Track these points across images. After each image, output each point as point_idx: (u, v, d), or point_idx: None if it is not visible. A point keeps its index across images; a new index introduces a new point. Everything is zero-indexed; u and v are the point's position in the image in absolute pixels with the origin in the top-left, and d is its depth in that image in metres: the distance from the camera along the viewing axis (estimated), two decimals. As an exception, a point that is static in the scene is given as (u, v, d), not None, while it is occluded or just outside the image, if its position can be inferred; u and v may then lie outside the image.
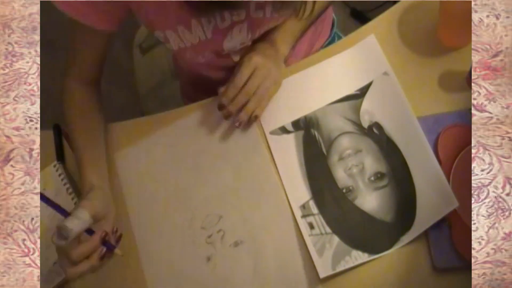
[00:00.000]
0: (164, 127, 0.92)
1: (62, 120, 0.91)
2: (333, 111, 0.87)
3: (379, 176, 0.81)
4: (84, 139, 0.86)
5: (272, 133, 0.87)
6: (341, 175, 0.82)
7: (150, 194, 0.88)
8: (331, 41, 1.12)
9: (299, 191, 0.83)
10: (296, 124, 0.87)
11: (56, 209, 0.72)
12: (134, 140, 0.92)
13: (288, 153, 0.86)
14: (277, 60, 0.89)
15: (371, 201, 0.80)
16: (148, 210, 0.87)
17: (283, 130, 0.87)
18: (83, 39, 0.84)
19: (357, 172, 0.82)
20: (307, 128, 0.87)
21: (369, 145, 0.83)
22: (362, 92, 0.87)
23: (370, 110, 0.85)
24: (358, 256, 0.77)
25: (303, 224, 0.80)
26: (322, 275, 0.76)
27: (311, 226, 0.80)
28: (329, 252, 0.77)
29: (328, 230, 0.79)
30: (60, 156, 0.90)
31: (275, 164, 0.85)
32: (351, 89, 0.87)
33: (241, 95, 0.84)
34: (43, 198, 0.71)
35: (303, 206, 0.82)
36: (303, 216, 0.81)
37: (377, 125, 0.84)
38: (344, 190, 0.81)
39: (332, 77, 0.89)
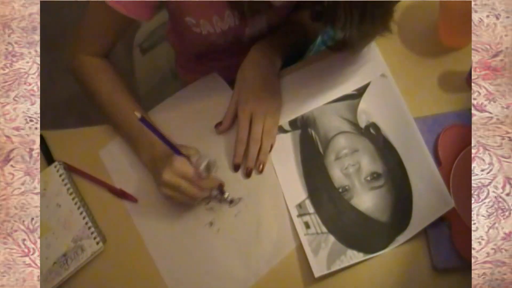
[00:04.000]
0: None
1: (63, 120, 0.91)
2: (330, 111, 0.87)
3: (375, 176, 0.81)
4: (132, 108, 0.86)
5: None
6: (337, 175, 0.82)
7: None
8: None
9: (295, 190, 0.83)
10: (293, 123, 0.87)
11: (169, 145, 0.77)
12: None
13: (285, 152, 0.86)
14: (271, 79, 0.88)
15: (367, 201, 0.80)
16: (148, 184, 0.86)
17: (280, 129, 0.87)
18: (108, 21, 0.85)
19: (354, 171, 0.82)
20: (304, 127, 0.87)
21: (365, 145, 0.83)
22: (360, 92, 0.87)
23: (367, 110, 0.85)
24: (354, 256, 0.77)
25: (299, 223, 0.80)
26: (317, 274, 0.76)
27: (307, 226, 0.80)
28: (324, 251, 0.77)
29: (324, 229, 0.79)
30: (50, 160, 0.91)
31: (272, 163, 0.85)
32: (348, 89, 0.87)
33: (251, 147, 0.85)
34: (158, 133, 0.76)
35: (299, 206, 0.82)
36: (299, 215, 0.81)
37: (374, 125, 0.84)
38: (340, 190, 0.81)
39: (330, 77, 0.89)
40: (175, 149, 0.78)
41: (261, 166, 0.85)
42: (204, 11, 0.84)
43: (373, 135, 0.83)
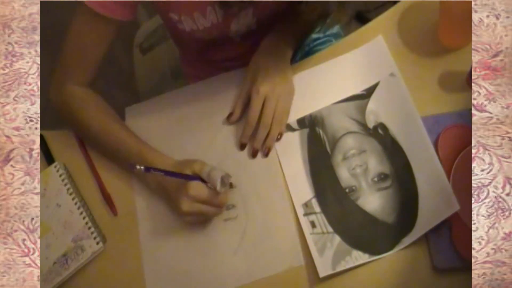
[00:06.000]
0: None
1: (63, 120, 0.91)
2: (339, 110, 0.87)
3: (382, 177, 0.81)
4: (131, 135, 0.86)
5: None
6: (344, 175, 0.82)
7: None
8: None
9: (302, 189, 0.83)
10: (301, 122, 0.87)
11: (180, 177, 0.77)
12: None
13: (292, 151, 0.86)
14: (284, 66, 0.89)
15: (374, 201, 0.80)
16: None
17: (288, 127, 0.87)
18: (92, 35, 0.84)
19: (361, 172, 0.82)
20: (312, 126, 0.87)
21: (373, 145, 0.83)
22: (368, 93, 0.86)
23: (375, 111, 0.85)
24: (359, 257, 0.77)
25: (305, 222, 0.80)
26: (322, 274, 0.76)
27: (313, 225, 0.80)
28: (329, 251, 0.77)
29: (330, 229, 0.79)
30: (50, 160, 0.91)
31: (280, 161, 0.85)
32: (357, 89, 0.87)
33: (260, 129, 0.86)
34: (164, 171, 0.76)
35: (306, 205, 0.82)
36: (305, 214, 0.81)
37: (382, 125, 0.84)
38: (347, 190, 0.81)
39: (339, 77, 0.89)
40: (188, 177, 0.77)
41: (267, 150, 0.86)
42: (185, 6, 0.84)
43: (381, 136, 0.83)
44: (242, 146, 0.87)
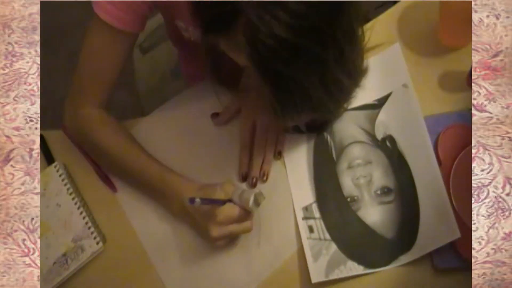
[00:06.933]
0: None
1: (61, 121, 0.91)
2: (349, 118, 0.85)
3: (385, 191, 0.80)
4: (151, 160, 0.84)
5: (284, 130, 0.87)
6: (347, 184, 0.81)
7: None
8: None
9: (304, 192, 0.82)
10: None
11: (211, 202, 0.75)
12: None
13: (298, 153, 0.85)
14: None
15: (374, 214, 0.79)
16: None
17: (297, 129, 0.86)
18: (109, 51, 0.81)
19: (364, 183, 0.81)
20: None
21: (380, 158, 0.82)
22: (380, 103, 0.85)
23: (385, 122, 0.84)
24: (353, 267, 0.76)
25: (303, 226, 0.80)
26: (314, 280, 0.75)
27: (311, 230, 0.79)
28: (324, 258, 0.77)
29: (327, 236, 0.78)
30: (50, 160, 0.91)
31: (284, 162, 0.85)
32: (369, 98, 0.86)
33: (254, 157, 0.84)
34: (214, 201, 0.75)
35: (306, 208, 0.81)
36: (304, 218, 0.80)
37: (391, 138, 0.82)
38: (348, 199, 0.80)
39: None
40: (219, 202, 0.75)
41: (265, 177, 0.84)
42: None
43: (389, 149, 0.82)
44: (243, 177, 0.84)
